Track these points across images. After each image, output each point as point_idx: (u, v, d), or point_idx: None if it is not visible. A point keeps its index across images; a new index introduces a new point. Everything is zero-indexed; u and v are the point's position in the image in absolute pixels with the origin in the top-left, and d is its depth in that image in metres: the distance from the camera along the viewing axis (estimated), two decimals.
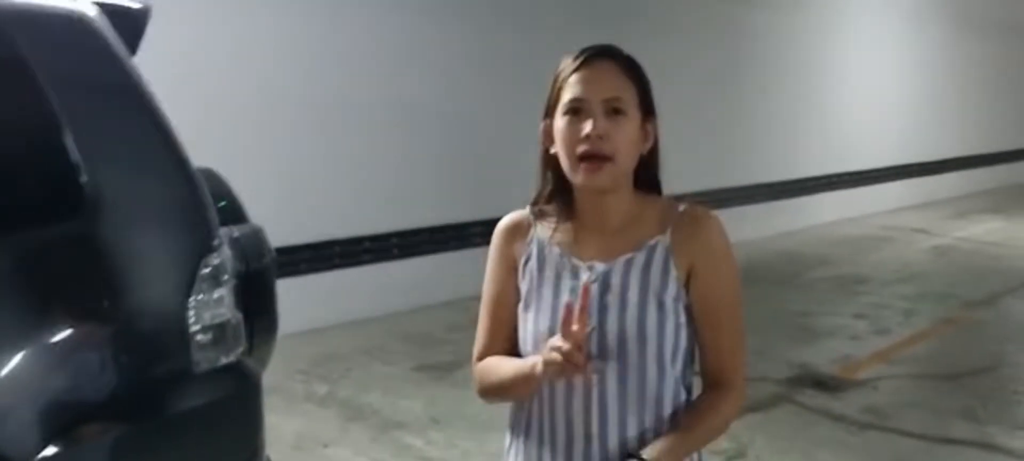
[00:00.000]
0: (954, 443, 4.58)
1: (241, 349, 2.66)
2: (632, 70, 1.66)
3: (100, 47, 2.48)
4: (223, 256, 2.56)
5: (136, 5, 3.03)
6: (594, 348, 1.61)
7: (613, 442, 1.63)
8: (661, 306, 1.63)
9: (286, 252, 6.08)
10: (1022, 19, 15.97)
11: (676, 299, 1.64)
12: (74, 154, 2.33)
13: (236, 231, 3.07)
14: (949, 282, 8.34)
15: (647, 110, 1.66)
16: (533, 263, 1.71)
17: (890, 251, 9.90)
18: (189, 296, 2.46)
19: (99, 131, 2.40)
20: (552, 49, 1.88)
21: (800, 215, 10.92)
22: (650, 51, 2.01)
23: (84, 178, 2.33)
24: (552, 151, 1.68)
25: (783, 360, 5.79)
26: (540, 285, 1.69)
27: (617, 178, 1.64)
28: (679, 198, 1.71)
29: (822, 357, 5.89)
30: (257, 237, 3.16)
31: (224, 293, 2.55)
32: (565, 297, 1.63)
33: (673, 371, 1.66)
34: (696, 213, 1.68)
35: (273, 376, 5.13)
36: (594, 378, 1.61)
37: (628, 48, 1.69)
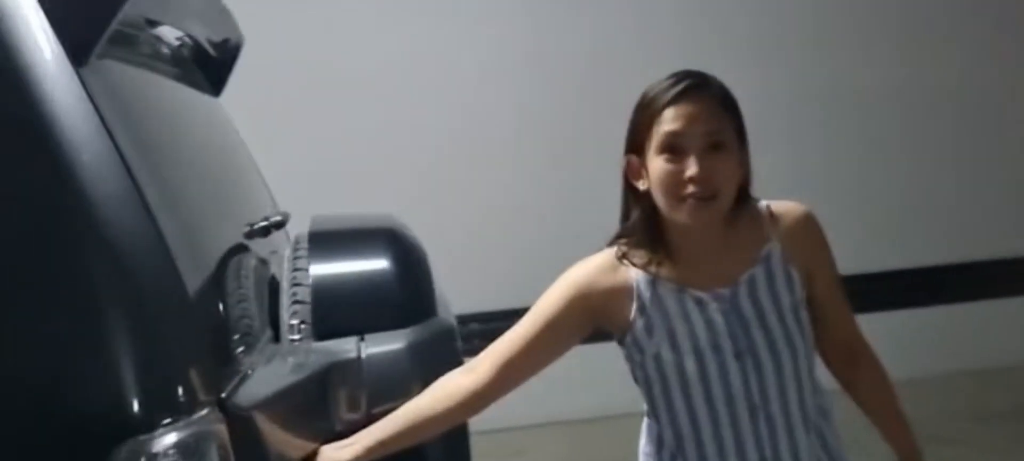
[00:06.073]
0: None
1: None
2: (729, 100, 1.63)
3: None
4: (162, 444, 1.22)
5: (230, 38, 2.37)
6: (755, 387, 1.61)
7: None
8: (797, 315, 1.64)
9: None
10: None
11: (802, 302, 1.66)
12: None
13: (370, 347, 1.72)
14: None
15: (742, 141, 1.64)
16: (650, 306, 1.65)
17: None
18: None
19: None
20: None
21: None
22: None
23: None
24: (642, 187, 1.63)
25: None
26: (669, 324, 1.63)
27: (721, 214, 1.62)
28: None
29: None
30: (425, 350, 1.76)
31: None
32: (702, 335, 1.62)
33: (814, 363, 1.68)
34: (793, 212, 1.70)
35: None
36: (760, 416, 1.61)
37: None
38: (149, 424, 1.22)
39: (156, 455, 1.22)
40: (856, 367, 1.75)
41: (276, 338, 1.79)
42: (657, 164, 1.58)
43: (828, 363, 1.77)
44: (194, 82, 2.27)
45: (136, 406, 1.22)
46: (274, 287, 1.93)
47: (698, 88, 1.60)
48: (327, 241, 1.93)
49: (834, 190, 4.88)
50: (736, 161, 1.61)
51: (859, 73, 5.07)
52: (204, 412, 1.28)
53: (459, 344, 1.89)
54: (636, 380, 1.68)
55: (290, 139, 4.16)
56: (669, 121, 1.57)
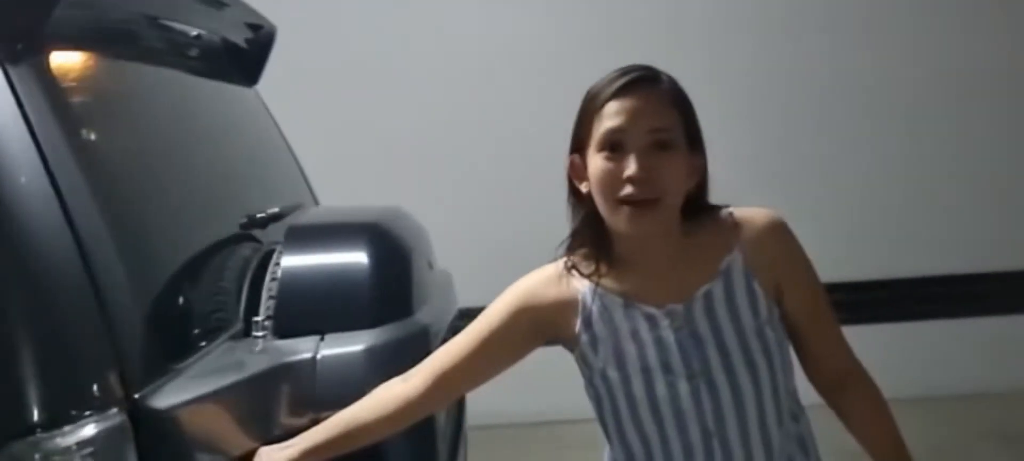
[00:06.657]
0: None
1: None
2: (679, 97, 1.49)
3: None
4: (59, 444, 1.24)
5: (264, 25, 2.38)
6: (709, 410, 1.48)
7: None
8: (761, 335, 1.49)
9: None
10: None
11: (770, 316, 1.51)
12: None
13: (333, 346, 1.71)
14: None
15: (694, 143, 1.48)
16: (596, 320, 1.52)
17: None
18: None
19: None
20: None
21: None
22: None
23: None
24: (584, 190, 1.50)
25: None
26: (616, 341, 1.51)
27: (664, 222, 1.47)
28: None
29: None
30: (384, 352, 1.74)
31: None
32: (651, 354, 1.49)
33: (787, 387, 1.53)
34: (758, 220, 1.54)
35: None
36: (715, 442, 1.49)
37: None
38: (46, 423, 1.25)
39: (51, 454, 1.25)
40: (845, 392, 1.58)
41: (248, 334, 1.80)
42: (596, 162, 1.45)
43: (816, 387, 1.60)
44: (214, 73, 2.29)
45: (31, 406, 1.25)
46: (259, 281, 1.93)
47: (645, 82, 1.46)
48: (303, 235, 1.91)
49: (834, 191, 4.58)
50: (684, 163, 1.46)
51: (863, 66, 4.70)
52: (110, 411, 1.30)
53: (436, 346, 1.85)
54: (588, 395, 1.59)
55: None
56: (610, 116, 1.44)
